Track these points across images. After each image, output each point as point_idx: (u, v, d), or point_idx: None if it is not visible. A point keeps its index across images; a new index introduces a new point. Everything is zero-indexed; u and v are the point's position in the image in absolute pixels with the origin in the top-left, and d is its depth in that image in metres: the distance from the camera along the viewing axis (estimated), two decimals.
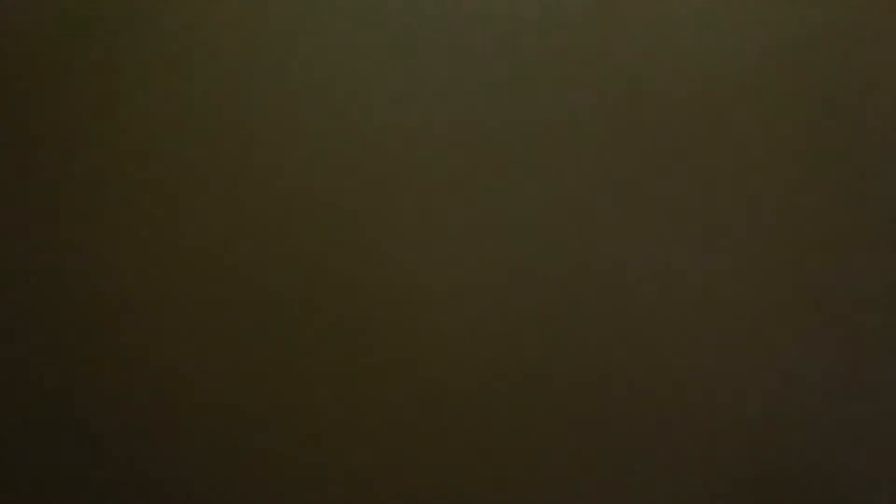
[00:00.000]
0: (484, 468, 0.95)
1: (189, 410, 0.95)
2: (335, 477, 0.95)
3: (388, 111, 0.96)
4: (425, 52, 0.96)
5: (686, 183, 0.96)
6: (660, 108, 0.96)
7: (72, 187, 0.96)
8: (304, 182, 0.96)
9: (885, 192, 0.97)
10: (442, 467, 0.95)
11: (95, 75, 0.97)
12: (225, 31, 0.97)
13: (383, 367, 0.95)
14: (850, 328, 0.96)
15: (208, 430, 0.95)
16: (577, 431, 0.95)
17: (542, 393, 0.95)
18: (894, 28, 0.98)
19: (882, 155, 0.97)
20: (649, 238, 0.96)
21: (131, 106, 0.96)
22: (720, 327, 0.96)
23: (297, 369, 0.95)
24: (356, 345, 0.95)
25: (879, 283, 0.97)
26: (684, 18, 0.97)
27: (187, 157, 0.96)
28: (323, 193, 0.96)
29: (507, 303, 0.96)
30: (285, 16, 0.97)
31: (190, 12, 0.97)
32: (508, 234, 0.96)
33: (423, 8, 0.97)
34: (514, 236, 0.96)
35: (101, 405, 0.96)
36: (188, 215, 0.96)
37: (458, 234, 0.96)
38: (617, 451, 0.95)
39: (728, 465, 0.95)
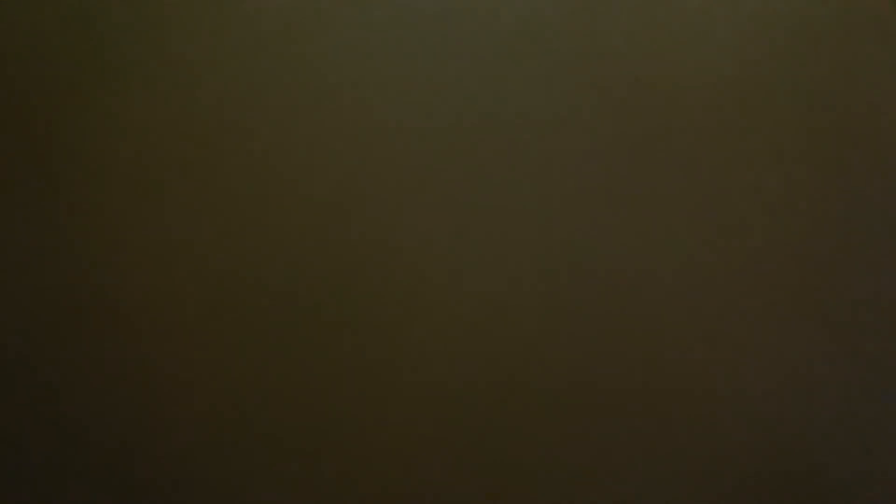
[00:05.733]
0: (484, 468, 0.95)
1: (189, 410, 0.95)
2: (336, 476, 0.95)
3: (387, 110, 0.96)
4: (423, 50, 0.96)
5: (687, 182, 0.96)
6: (659, 107, 0.96)
7: (72, 187, 0.96)
8: (304, 181, 0.96)
9: (886, 191, 0.97)
10: (442, 467, 0.95)
11: (95, 75, 0.97)
12: (225, 30, 0.97)
13: (384, 367, 0.95)
14: (853, 328, 0.96)
15: (208, 429, 0.95)
16: (578, 432, 0.95)
17: (543, 393, 0.95)
18: (894, 25, 0.98)
19: (882, 154, 0.97)
20: (649, 238, 0.96)
21: (131, 106, 0.96)
22: (722, 327, 0.96)
23: (297, 369, 0.95)
24: (357, 344, 0.95)
25: (881, 283, 0.97)
26: (683, 16, 0.97)
27: (187, 157, 0.96)
28: (323, 193, 0.96)
29: (507, 302, 0.96)
30: (286, 15, 0.97)
31: (190, 12, 0.97)
32: (507, 232, 0.96)
33: (422, 6, 0.97)
34: (513, 235, 0.96)
35: (100, 405, 0.96)
36: (188, 215, 0.96)
37: (458, 234, 0.96)
38: (618, 451, 0.95)
39: (731, 466, 0.95)
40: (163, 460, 0.95)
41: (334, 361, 0.95)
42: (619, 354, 0.95)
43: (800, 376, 0.96)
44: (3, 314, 0.96)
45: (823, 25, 0.98)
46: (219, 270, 0.96)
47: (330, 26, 0.97)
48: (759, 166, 0.97)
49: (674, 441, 0.95)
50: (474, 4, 0.97)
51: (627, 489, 0.95)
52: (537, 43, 0.97)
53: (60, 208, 0.96)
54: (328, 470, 0.95)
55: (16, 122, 0.97)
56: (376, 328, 0.95)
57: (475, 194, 0.96)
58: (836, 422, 0.96)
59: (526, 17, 0.97)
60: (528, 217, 0.96)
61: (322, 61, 0.97)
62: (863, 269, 0.97)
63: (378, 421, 0.95)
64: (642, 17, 0.97)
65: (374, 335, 0.95)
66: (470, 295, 0.96)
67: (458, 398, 0.95)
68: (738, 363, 0.96)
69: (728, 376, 0.96)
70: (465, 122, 0.96)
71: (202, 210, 0.96)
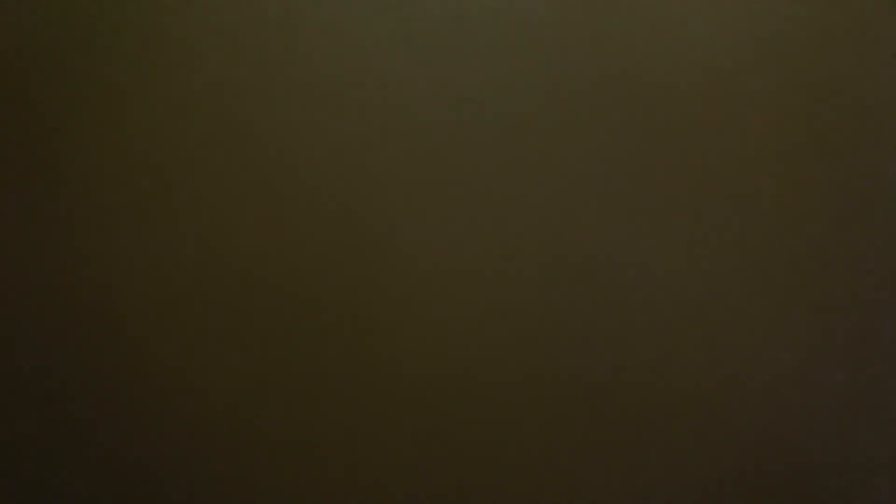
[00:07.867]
0: (484, 466, 0.95)
1: (189, 409, 0.96)
2: (336, 476, 0.95)
3: (386, 109, 0.96)
4: (422, 49, 0.96)
5: (688, 182, 0.96)
6: (655, 104, 0.96)
7: (73, 186, 0.96)
8: (304, 180, 0.96)
9: (883, 188, 0.97)
10: (443, 466, 0.95)
11: (95, 75, 0.97)
12: (226, 29, 0.97)
13: (384, 366, 0.95)
14: (853, 327, 0.96)
15: (208, 428, 0.96)
16: (575, 431, 0.95)
17: (540, 392, 0.95)
18: (890, 20, 0.98)
19: (880, 150, 0.97)
20: (650, 237, 0.96)
21: (131, 106, 0.97)
22: (722, 327, 0.96)
23: (298, 368, 0.96)
24: (358, 343, 0.95)
25: (882, 282, 0.97)
26: (680, 12, 0.97)
27: (189, 155, 0.96)
28: (324, 192, 0.96)
29: (508, 301, 0.96)
30: (286, 15, 0.97)
31: (190, 11, 0.97)
32: (508, 231, 0.96)
33: (425, 5, 0.97)
34: (514, 234, 0.96)
35: (100, 405, 0.96)
36: (189, 214, 0.96)
37: (458, 232, 0.96)
38: (615, 449, 0.95)
39: (729, 465, 0.95)
40: (162, 459, 0.96)
41: (336, 361, 0.96)
42: (618, 354, 0.95)
43: (800, 376, 0.96)
44: (4, 313, 0.96)
45: (825, 23, 0.97)
46: (221, 269, 0.96)
47: (333, 26, 0.97)
48: (761, 166, 0.97)
49: (673, 440, 0.95)
50: (476, 2, 0.97)
51: (627, 488, 0.95)
52: (536, 42, 0.97)
53: (61, 207, 0.96)
54: (329, 468, 0.95)
55: (16, 121, 0.97)
56: (378, 327, 0.95)
57: (476, 193, 0.96)
58: (834, 422, 0.96)
59: (526, 15, 0.97)
60: (528, 216, 0.96)
61: (324, 58, 0.97)
62: (864, 269, 0.97)
63: (379, 419, 0.95)
64: (643, 16, 0.97)
65: (375, 334, 0.95)
66: (470, 294, 0.96)
67: (459, 397, 0.95)
68: (738, 362, 0.96)
69: (727, 376, 0.95)
70: (465, 121, 0.96)
71: (204, 208, 0.96)
